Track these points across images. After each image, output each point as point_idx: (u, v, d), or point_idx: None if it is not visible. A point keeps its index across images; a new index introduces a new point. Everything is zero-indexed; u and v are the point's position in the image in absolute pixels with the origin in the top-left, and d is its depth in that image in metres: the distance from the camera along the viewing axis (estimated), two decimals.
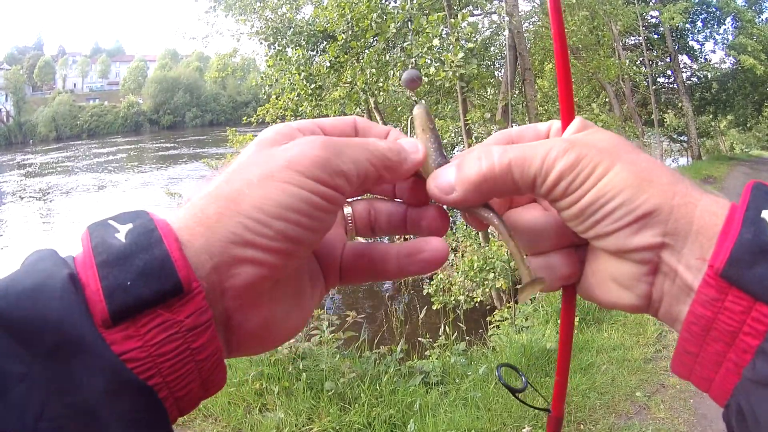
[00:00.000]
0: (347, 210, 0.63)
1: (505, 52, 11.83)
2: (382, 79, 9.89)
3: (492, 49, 14.72)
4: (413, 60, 9.21)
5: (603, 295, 0.59)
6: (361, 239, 0.64)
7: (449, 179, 0.58)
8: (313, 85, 10.92)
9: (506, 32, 11.64)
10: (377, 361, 5.45)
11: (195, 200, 0.48)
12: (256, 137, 0.55)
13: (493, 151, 0.56)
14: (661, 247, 0.51)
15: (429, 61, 9.40)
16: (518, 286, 0.64)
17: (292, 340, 5.28)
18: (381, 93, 10.29)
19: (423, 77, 9.30)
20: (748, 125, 33.41)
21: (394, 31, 9.72)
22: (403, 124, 14.06)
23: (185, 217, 0.47)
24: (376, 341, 6.19)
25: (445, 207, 0.62)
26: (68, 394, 0.38)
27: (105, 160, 53.16)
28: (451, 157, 0.62)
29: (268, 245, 0.47)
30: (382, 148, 0.55)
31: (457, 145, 12.69)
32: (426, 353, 6.19)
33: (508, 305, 8.13)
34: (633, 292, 0.55)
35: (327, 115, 12.47)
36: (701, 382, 0.52)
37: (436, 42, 8.95)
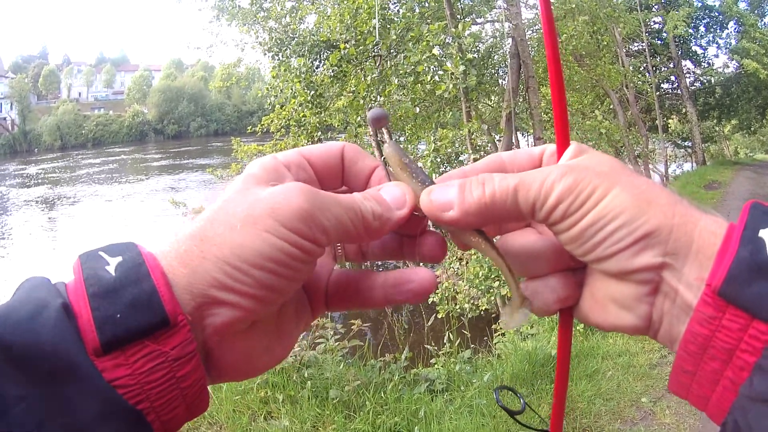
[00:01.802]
0: None
1: (509, 60, 11.83)
2: (381, 87, 9.88)
3: (495, 57, 14.70)
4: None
5: (603, 317, 0.59)
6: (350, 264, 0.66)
7: (449, 198, 0.58)
8: (312, 92, 10.92)
9: (509, 40, 11.66)
10: (382, 369, 5.44)
11: (180, 236, 0.51)
12: (245, 169, 0.57)
13: (495, 177, 0.57)
14: (662, 267, 0.52)
15: (428, 69, 9.39)
16: (504, 310, 0.64)
17: (297, 349, 5.28)
18: (381, 99, 10.28)
19: (425, 83, 9.33)
20: (752, 129, 33.34)
21: (395, 38, 9.73)
22: (407, 134, 14.06)
23: (171, 253, 0.49)
24: (380, 349, 6.19)
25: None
26: (63, 415, 0.40)
27: (110, 169, 53.22)
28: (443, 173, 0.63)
29: (246, 291, 0.49)
30: (365, 212, 0.56)
31: (461, 154, 12.67)
32: (431, 361, 6.17)
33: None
34: (633, 313, 0.55)
35: (331, 125, 12.50)
36: (698, 401, 0.53)
37: (436, 51, 8.94)
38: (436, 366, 5.87)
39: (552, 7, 0.68)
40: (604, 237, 0.53)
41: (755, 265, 0.47)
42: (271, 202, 0.50)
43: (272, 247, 0.49)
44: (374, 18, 9.42)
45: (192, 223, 0.51)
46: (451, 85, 8.86)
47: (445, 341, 6.27)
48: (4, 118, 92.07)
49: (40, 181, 46.44)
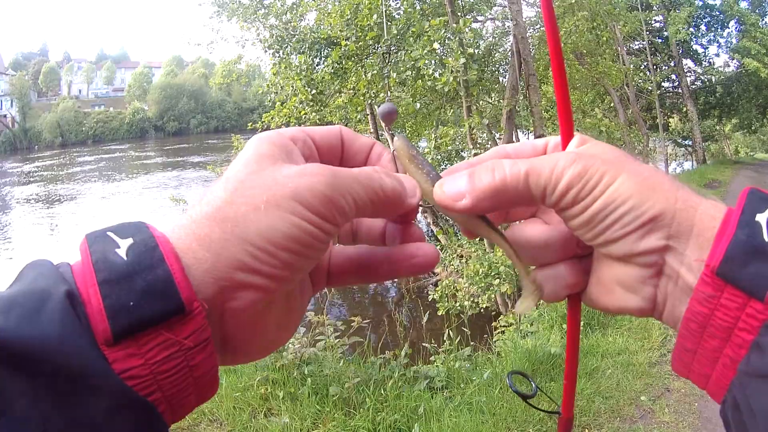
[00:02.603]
0: None
1: (510, 58, 11.84)
2: (381, 83, 9.87)
3: (496, 54, 14.69)
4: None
5: (609, 300, 0.61)
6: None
7: (459, 187, 0.59)
8: (314, 90, 10.92)
9: (510, 38, 11.66)
10: (382, 366, 5.44)
11: (195, 217, 0.49)
12: (249, 144, 0.56)
13: (505, 163, 0.58)
14: (665, 250, 0.54)
15: (429, 64, 9.40)
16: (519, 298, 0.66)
17: (297, 345, 5.29)
18: (381, 95, 10.27)
19: (426, 79, 9.33)
20: (752, 128, 33.37)
21: (395, 32, 9.71)
22: (408, 131, 14.07)
23: (187, 237, 0.48)
24: (380, 346, 6.19)
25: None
26: (71, 409, 0.39)
27: (110, 166, 53.27)
28: (444, 169, 0.64)
29: (272, 272, 0.49)
30: (386, 188, 0.57)
31: (462, 150, 12.66)
32: (431, 358, 6.17)
33: (513, 310, 8.11)
34: (639, 295, 0.57)
35: (331, 122, 12.50)
36: (699, 379, 0.55)
37: (436, 46, 8.94)
38: (435, 363, 5.86)
39: (555, 4, 0.68)
40: (614, 221, 0.54)
41: (751, 247, 0.49)
42: (293, 184, 0.50)
43: (299, 230, 0.49)
44: (376, 14, 9.42)
45: (206, 205, 0.50)
46: (451, 78, 8.86)
47: (444, 339, 6.27)
48: (5, 116, 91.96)
49: (40, 178, 46.48)
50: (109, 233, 0.47)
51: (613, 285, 0.59)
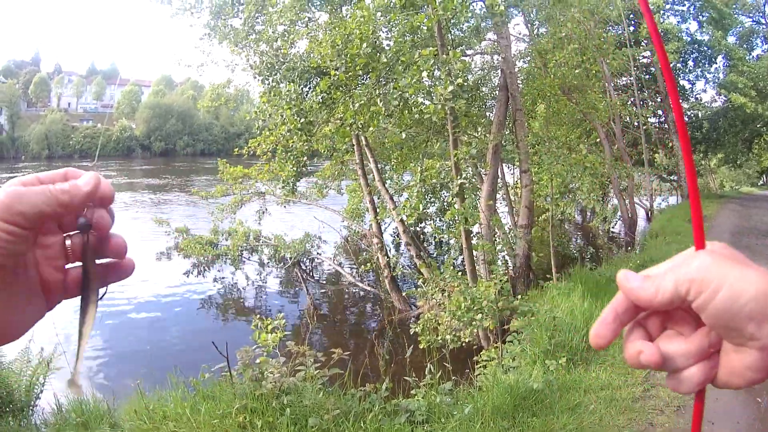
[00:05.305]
0: (67, 242, 0.77)
1: (497, 93, 11.92)
2: (369, 115, 9.88)
3: (484, 89, 14.78)
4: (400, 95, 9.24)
5: (740, 382, 0.69)
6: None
7: (638, 281, 0.70)
8: (303, 120, 10.92)
9: (498, 73, 11.72)
10: (362, 399, 5.40)
11: None
12: None
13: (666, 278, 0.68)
14: None
15: (416, 95, 9.43)
16: None
17: (277, 375, 5.24)
18: (368, 126, 10.28)
19: (413, 110, 9.39)
20: (738, 162, 33.82)
21: (385, 61, 9.74)
22: (393, 163, 14.13)
23: None
24: (360, 379, 6.13)
25: None
26: None
27: None
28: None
29: None
30: (55, 192, 0.69)
31: (447, 183, 12.66)
32: (412, 392, 6.13)
33: (495, 345, 8.09)
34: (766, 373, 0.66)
35: (317, 150, 12.57)
36: None
37: (424, 74, 8.96)
38: (416, 397, 5.82)
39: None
40: (740, 318, 0.63)
41: None
42: None
43: None
44: (366, 43, 9.44)
45: None
46: (439, 107, 8.89)
47: (426, 372, 6.23)
48: None
49: None
50: None
51: (744, 371, 0.67)
